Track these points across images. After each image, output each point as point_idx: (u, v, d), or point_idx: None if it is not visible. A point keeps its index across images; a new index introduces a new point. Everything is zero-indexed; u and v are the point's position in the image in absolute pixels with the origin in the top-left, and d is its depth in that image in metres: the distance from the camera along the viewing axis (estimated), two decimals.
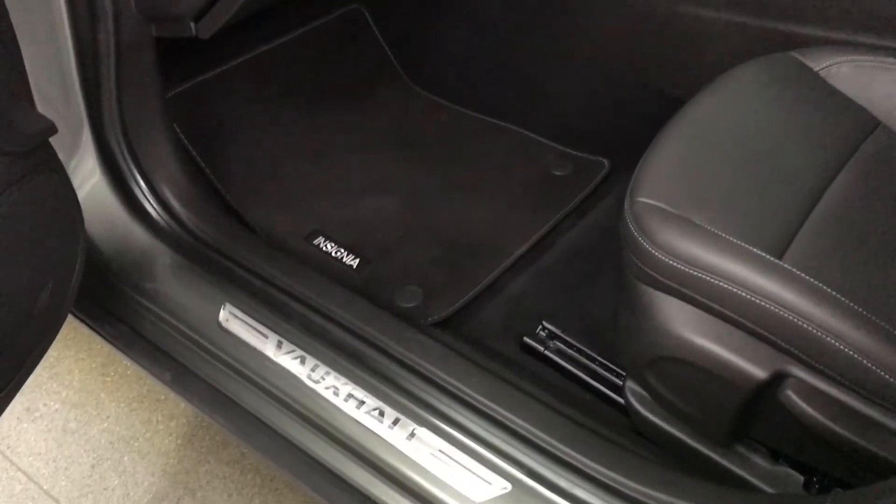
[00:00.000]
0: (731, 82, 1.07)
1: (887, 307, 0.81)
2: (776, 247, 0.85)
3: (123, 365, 1.58)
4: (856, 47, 1.11)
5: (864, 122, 1.03)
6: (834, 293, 0.80)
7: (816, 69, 1.08)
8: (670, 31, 1.40)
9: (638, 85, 1.52)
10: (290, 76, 1.68)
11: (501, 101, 1.71)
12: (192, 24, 1.13)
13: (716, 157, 0.95)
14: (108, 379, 1.56)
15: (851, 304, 0.79)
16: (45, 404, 1.53)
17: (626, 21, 1.45)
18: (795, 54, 1.09)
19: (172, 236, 1.18)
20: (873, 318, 0.79)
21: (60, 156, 1.02)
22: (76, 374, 1.57)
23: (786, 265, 0.82)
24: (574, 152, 1.60)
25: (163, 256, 1.17)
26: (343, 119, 1.69)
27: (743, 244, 0.84)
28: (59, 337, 1.06)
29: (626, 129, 1.49)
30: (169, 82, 1.38)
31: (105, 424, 1.49)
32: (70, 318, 1.18)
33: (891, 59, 1.05)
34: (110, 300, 1.21)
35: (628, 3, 1.43)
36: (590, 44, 1.56)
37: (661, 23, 1.39)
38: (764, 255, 0.83)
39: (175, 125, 1.34)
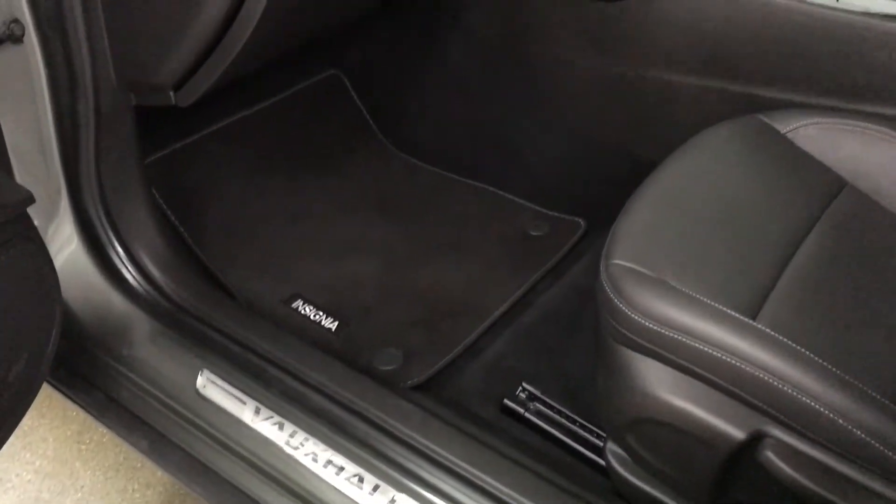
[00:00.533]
0: (702, 145, 1.09)
1: (861, 366, 0.82)
2: (750, 307, 0.86)
3: (99, 432, 1.55)
4: (820, 110, 1.14)
5: (831, 183, 1.05)
6: (808, 353, 0.81)
7: (783, 131, 1.10)
8: (641, 94, 1.43)
9: (611, 146, 1.55)
10: (268, 140, 1.69)
11: (478, 162, 1.73)
12: (172, 93, 1.14)
13: (689, 219, 0.97)
14: (84, 447, 1.53)
15: (825, 364, 0.80)
16: (17, 475, 1.49)
17: (598, 85, 1.49)
18: (762, 117, 1.12)
19: (150, 302, 1.18)
20: (847, 377, 0.79)
21: (38, 222, 1.02)
22: (50, 442, 1.54)
23: (760, 325, 0.83)
24: (550, 212, 1.62)
25: (140, 323, 1.16)
26: (322, 182, 1.70)
27: (717, 305, 0.85)
28: (32, 405, 1.04)
29: (602, 190, 1.52)
30: (148, 148, 1.39)
31: (79, 494, 1.46)
32: (44, 386, 1.17)
33: (854, 122, 1.08)
34: (86, 367, 1.19)
35: (601, 68, 1.46)
36: (564, 107, 1.59)
37: (632, 87, 1.43)
38: (738, 315, 0.84)
39: (154, 191, 1.35)
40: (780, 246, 0.95)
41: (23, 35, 1.05)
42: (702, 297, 0.85)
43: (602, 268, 0.92)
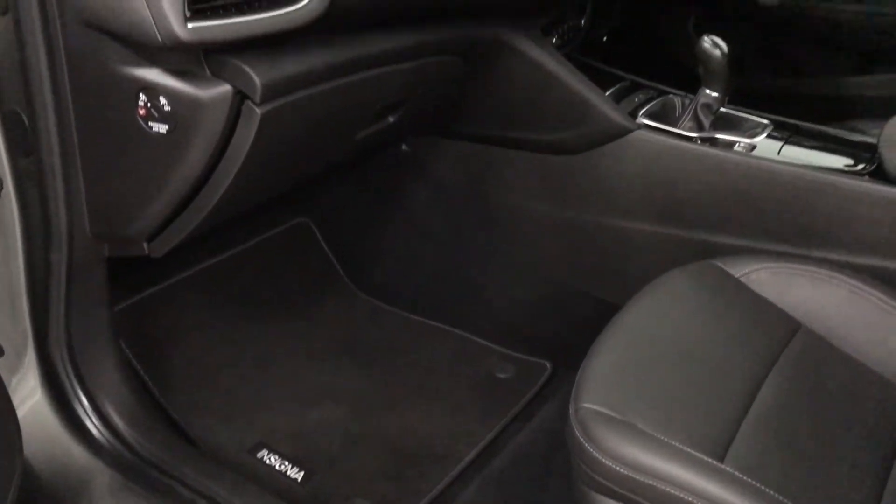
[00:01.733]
0: (661, 289, 1.13)
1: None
2: (717, 450, 0.88)
3: None
4: (772, 255, 1.19)
5: (786, 325, 1.09)
6: (776, 494, 0.82)
7: (738, 276, 1.15)
8: (601, 240, 1.48)
9: (573, 289, 1.59)
10: (236, 287, 1.71)
11: (444, 305, 1.76)
12: (145, 244, 1.16)
13: (653, 362, 1.00)
14: None
15: None
16: None
17: (559, 231, 1.54)
18: (717, 262, 1.17)
19: (113, 455, 1.16)
20: None
21: (2, 374, 1.01)
22: None
23: (727, 468, 0.84)
24: (516, 354, 1.64)
25: (101, 476, 1.13)
26: (288, 327, 1.71)
27: (686, 449, 0.86)
28: None
29: (566, 332, 1.55)
30: (116, 295, 1.39)
31: None
32: None
33: (803, 266, 1.14)
34: None
35: (561, 216, 1.52)
36: (526, 251, 1.64)
37: (592, 233, 1.48)
38: (706, 458, 0.85)
39: (121, 340, 1.34)
40: (741, 388, 0.97)
41: (1, 190, 1.07)
42: (671, 441, 0.87)
43: (571, 411, 0.93)
